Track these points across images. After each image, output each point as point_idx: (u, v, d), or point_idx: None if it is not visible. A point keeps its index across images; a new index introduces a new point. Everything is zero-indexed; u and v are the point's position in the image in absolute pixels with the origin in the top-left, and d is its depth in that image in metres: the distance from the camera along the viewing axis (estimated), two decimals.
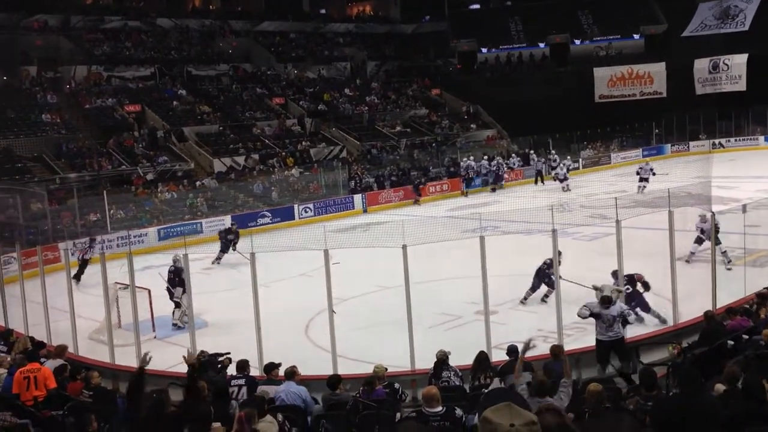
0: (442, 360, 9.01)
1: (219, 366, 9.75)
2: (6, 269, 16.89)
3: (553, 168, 34.66)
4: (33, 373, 8.63)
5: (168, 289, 15.41)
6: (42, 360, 9.59)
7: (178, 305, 15.22)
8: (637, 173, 29.23)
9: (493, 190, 33.77)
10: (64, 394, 8.60)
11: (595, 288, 10.05)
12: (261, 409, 6.52)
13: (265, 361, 9.96)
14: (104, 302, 13.06)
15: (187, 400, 6.23)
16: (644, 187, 27.99)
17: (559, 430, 2.41)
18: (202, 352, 9.87)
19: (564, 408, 6.96)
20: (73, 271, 16.90)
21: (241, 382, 8.74)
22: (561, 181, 31.89)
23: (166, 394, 6.23)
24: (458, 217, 22.84)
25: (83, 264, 19.52)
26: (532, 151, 37.93)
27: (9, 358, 10.03)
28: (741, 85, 42.04)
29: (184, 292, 15.30)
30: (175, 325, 15.20)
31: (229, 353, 9.94)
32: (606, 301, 9.76)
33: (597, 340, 9.94)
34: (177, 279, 15.23)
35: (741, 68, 42.11)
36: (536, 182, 35.07)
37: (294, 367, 8.62)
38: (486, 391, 7.82)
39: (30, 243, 20.20)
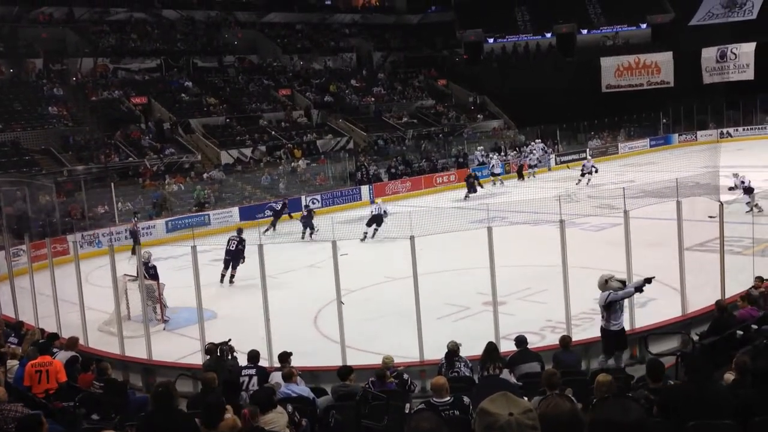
0: (454, 351, 9.01)
1: (223, 352, 9.87)
2: (15, 261, 16.97)
3: (526, 156, 36.42)
4: (45, 367, 8.65)
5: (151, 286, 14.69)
6: (55, 350, 9.64)
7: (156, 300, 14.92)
8: (581, 170, 30.47)
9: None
10: (75, 385, 8.65)
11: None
12: (270, 400, 6.53)
13: (275, 352, 10.01)
14: (113, 294, 13.12)
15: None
16: (588, 180, 29.36)
17: (570, 416, 2.42)
18: (211, 343, 9.96)
19: None
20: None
21: (252, 372, 8.78)
22: (531, 166, 34.37)
23: (173, 385, 6.24)
24: (466, 207, 22.82)
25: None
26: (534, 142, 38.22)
27: (20, 350, 10.07)
28: (749, 74, 41.86)
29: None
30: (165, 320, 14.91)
31: (229, 339, 10.07)
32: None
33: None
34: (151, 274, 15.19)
35: (749, 57, 41.91)
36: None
37: (291, 368, 8.47)
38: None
39: (39, 235, 20.27)
